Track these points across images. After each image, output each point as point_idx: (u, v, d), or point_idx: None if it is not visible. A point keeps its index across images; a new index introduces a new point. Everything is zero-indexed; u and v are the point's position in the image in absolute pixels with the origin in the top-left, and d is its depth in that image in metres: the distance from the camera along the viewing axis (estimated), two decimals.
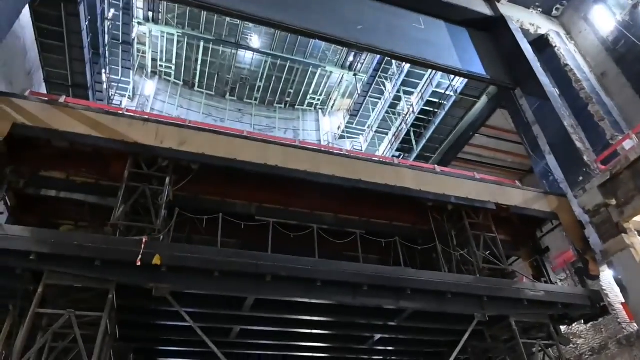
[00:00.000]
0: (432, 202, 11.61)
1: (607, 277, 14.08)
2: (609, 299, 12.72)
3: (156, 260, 7.88)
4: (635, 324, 14.68)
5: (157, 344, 11.16)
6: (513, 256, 13.87)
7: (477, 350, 12.42)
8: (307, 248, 9.61)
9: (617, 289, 14.66)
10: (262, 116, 35.97)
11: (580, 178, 13.25)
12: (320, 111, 38.11)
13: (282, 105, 37.38)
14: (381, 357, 13.44)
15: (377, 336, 11.38)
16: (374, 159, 13.06)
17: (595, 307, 11.40)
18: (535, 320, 10.78)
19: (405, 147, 25.94)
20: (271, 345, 11.63)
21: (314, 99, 37.35)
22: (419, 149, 24.33)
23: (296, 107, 37.60)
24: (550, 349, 10.79)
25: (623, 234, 11.72)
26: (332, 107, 38.18)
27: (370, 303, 9.41)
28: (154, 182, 9.28)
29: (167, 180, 9.23)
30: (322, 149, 12.98)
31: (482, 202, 11.87)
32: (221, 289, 8.49)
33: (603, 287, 12.79)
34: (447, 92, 22.42)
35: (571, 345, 15.59)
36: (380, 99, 32.59)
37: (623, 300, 14.77)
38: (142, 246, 7.79)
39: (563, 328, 13.31)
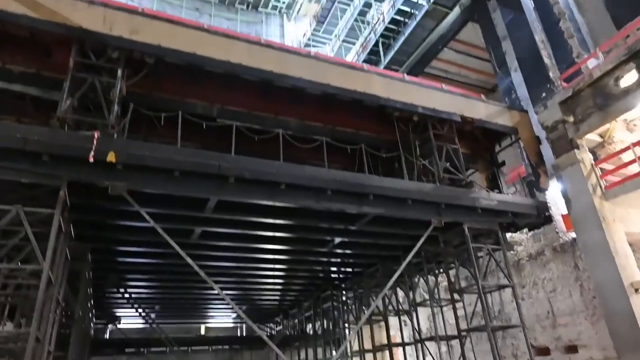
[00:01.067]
0: (399, 112, 11.45)
1: (551, 191, 15.03)
2: (551, 211, 13.59)
3: (111, 158, 7.42)
4: (570, 234, 16.06)
5: (116, 244, 11.05)
6: (471, 169, 14.33)
7: (430, 254, 13.24)
8: (272, 152, 9.36)
9: (560, 202, 15.79)
10: (222, 17, 33.42)
11: (544, 94, 13.43)
12: (285, 16, 35.83)
13: (244, 7, 34.73)
14: (339, 260, 14.11)
15: (337, 240, 11.77)
16: (344, 63, 12.50)
17: (540, 217, 12.21)
18: (486, 227, 11.44)
19: (372, 58, 25.18)
20: (233, 247, 11.82)
21: (278, 1, 34.83)
22: (387, 61, 23.69)
23: (259, 9, 35.06)
24: (495, 253, 11.60)
25: (575, 150, 12.22)
26: (297, 12, 35.92)
27: (333, 207, 9.53)
28: (104, 75, 8.44)
29: (119, 72, 8.41)
30: (290, 49, 12.19)
31: (448, 114, 11.85)
32: (182, 190, 8.24)
33: (547, 201, 13.57)
34: (420, 1, 21.39)
35: (511, 251, 16.94)
36: (349, 5, 30.84)
37: (563, 212, 16.00)
38: (95, 142, 7.25)
39: (508, 235, 14.33)
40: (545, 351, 15.73)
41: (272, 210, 9.57)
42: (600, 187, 11.80)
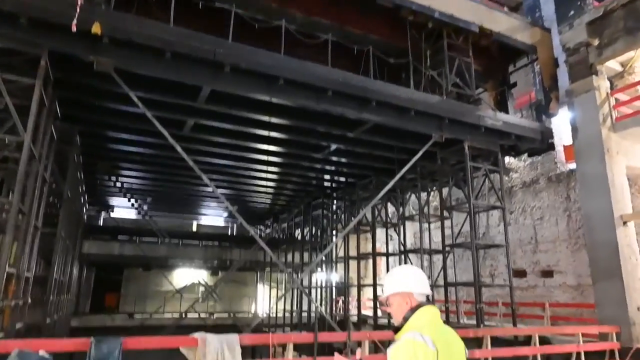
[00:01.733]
0: (413, 15, 10.51)
1: (557, 120, 14.56)
2: (553, 140, 13.24)
3: (95, 29, 6.77)
4: (568, 165, 15.92)
5: (106, 129, 10.71)
6: (480, 88, 13.67)
7: (425, 170, 13.10)
8: (273, 47, 8.63)
9: (563, 133, 15.41)
10: None
11: (572, 12, 12.39)
12: None
13: None
14: (333, 168, 13.98)
15: (334, 146, 11.49)
16: None
17: (543, 143, 11.87)
18: (486, 148, 11.14)
19: None
20: (226, 144, 11.53)
21: None
22: None
23: None
24: (491, 176, 11.45)
25: (593, 76, 11.53)
26: None
27: (333, 110, 9.10)
28: None
29: None
30: None
31: (466, 23, 10.93)
32: (173, 74, 7.71)
33: (552, 128, 13.14)
34: None
35: (506, 177, 16.90)
36: None
37: (565, 143, 15.73)
38: (78, 8, 6.56)
39: (505, 161, 14.13)
40: (522, 273, 16.39)
41: (269, 107, 9.12)
42: (611, 117, 11.33)
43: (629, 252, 10.49)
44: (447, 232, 13.24)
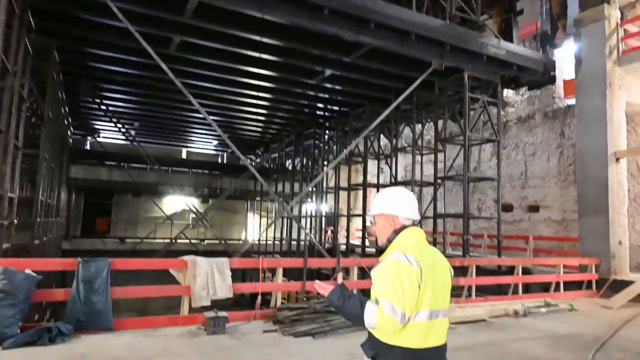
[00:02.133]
0: None
1: (559, 53, 14.01)
2: (554, 73, 12.80)
3: None
4: (566, 101, 15.61)
5: (85, 45, 10.00)
6: (484, 14, 12.93)
7: (422, 101, 12.72)
8: None
9: (565, 67, 14.93)
10: None
11: None
12: None
13: None
14: (327, 96, 13.50)
15: (328, 72, 10.96)
16: None
17: (545, 75, 11.47)
18: (486, 78, 10.74)
19: None
20: (215, 65, 10.90)
21: None
22: None
23: None
24: (489, 107, 11.15)
25: (605, 4, 10.92)
26: None
27: (328, 31, 8.49)
28: None
29: None
30: None
31: None
32: None
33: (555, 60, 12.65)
34: None
35: (502, 112, 16.61)
36: None
37: (566, 77, 15.30)
38: None
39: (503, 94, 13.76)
40: (509, 208, 16.67)
41: (260, 25, 8.48)
42: (618, 50, 10.90)
43: (617, 189, 10.58)
44: (439, 166, 13.20)
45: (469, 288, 8.15)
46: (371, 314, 1.71)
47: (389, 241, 1.90)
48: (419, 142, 13.86)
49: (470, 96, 10.40)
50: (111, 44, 9.77)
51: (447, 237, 14.51)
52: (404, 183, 14.52)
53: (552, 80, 11.83)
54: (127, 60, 10.63)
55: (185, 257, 5.69)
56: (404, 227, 1.90)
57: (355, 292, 1.94)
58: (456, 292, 8.58)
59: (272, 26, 8.57)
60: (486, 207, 17.70)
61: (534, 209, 15.88)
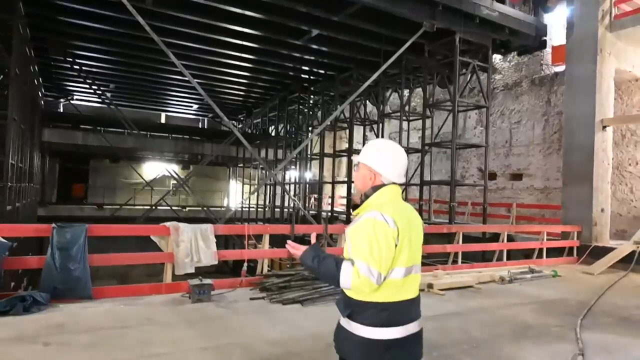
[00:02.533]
0: None
1: (548, 18, 13.74)
2: (546, 38, 12.58)
3: None
4: (554, 68, 15.48)
5: None
6: None
7: (410, 65, 12.38)
8: None
9: (554, 33, 14.71)
10: None
11: None
12: None
13: None
14: (313, 58, 13.00)
15: (315, 32, 10.48)
16: None
17: (536, 39, 11.23)
18: (478, 41, 10.44)
19: None
20: (195, 22, 10.28)
21: None
22: None
23: None
24: (478, 73, 10.92)
25: None
26: None
27: None
28: None
29: None
30: None
31: None
32: None
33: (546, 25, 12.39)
34: None
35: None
36: None
37: (554, 44, 15.11)
38: None
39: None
40: (492, 176, 16.72)
41: None
42: (610, 14, 10.69)
43: (602, 157, 10.61)
44: (425, 132, 13.03)
45: (455, 255, 8.14)
46: (347, 275, 1.66)
47: (366, 196, 1.82)
48: (406, 108, 13.59)
49: (460, 60, 10.12)
50: None
51: (432, 205, 14.55)
52: None
53: (543, 45, 11.63)
54: (99, 14, 9.90)
55: (168, 223, 5.43)
56: (382, 185, 1.82)
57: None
58: (443, 258, 8.60)
59: None
60: (470, 175, 17.76)
61: (517, 177, 15.99)
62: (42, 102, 18.90)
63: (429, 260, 8.64)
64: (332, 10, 9.25)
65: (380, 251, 1.63)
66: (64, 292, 4.51)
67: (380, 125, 14.39)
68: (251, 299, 5.07)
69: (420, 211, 12.74)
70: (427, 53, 10.89)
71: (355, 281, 1.64)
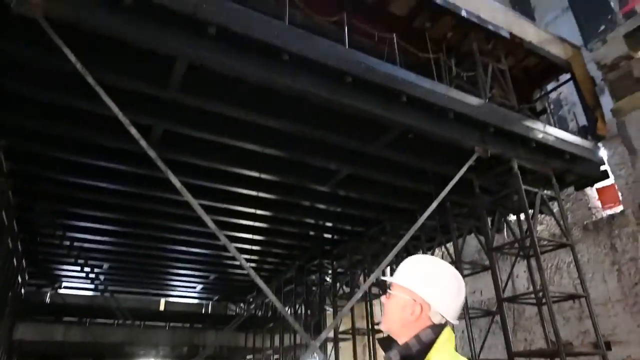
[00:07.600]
0: (430, 22, 8.82)
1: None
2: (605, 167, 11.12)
3: None
4: (606, 211, 13.72)
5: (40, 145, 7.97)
6: None
7: (455, 208, 10.52)
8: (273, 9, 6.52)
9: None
10: None
11: (602, 27, 11.02)
12: None
13: None
14: (339, 209, 11.05)
15: (345, 171, 8.96)
16: None
17: (597, 168, 9.73)
18: (536, 169, 8.86)
19: None
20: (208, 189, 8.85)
21: None
22: None
23: None
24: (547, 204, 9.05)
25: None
26: None
27: (354, 104, 6.73)
28: None
29: None
30: None
31: (495, 27, 9.27)
32: (133, 30, 5.33)
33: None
34: None
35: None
36: None
37: (598, 186, 13.69)
38: None
39: None
40: (567, 346, 13.29)
41: (270, 98, 6.73)
42: None
43: None
44: (479, 286, 10.41)
45: None
46: None
47: (420, 342, 1.28)
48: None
49: (525, 189, 8.33)
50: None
51: None
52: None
53: (605, 175, 10.06)
54: (98, 166, 8.53)
55: None
56: (435, 326, 1.33)
57: None
58: None
59: (284, 100, 6.80)
60: (537, 348, 14.22)
61: (604, 346, 12.56)
62: (23, 292, 16.48)
63: None
64: (365, 140, 7.86)
65: None
66: None
67: None
68: None
69: None
70: (478, 188, 9.16)
71: None
